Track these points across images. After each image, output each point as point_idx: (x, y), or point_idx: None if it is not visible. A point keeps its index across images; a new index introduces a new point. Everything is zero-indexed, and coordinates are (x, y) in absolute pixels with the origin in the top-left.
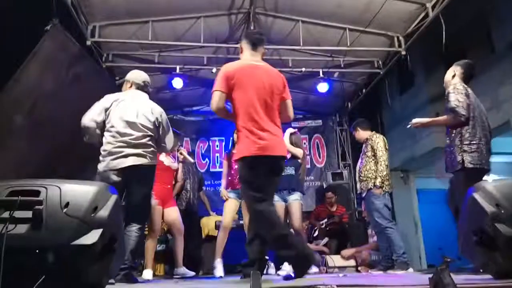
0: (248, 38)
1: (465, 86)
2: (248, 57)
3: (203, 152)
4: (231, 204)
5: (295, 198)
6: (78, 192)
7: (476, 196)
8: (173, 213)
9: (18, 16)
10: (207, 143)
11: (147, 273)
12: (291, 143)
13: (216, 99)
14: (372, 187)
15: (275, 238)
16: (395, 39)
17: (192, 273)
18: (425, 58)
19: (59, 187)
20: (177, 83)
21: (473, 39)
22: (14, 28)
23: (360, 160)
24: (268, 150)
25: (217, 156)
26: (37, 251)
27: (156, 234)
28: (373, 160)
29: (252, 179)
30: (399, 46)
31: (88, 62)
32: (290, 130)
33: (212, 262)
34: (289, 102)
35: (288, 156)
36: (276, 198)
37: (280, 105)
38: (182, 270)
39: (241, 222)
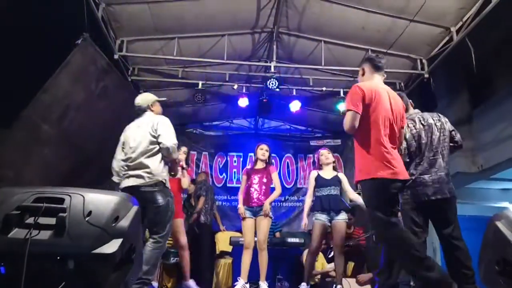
0: (372, 62)
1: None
2: (375, 80)
3: (220, 167)
4: (249, 223)
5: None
6: (101, 201)
7: (499, 224)
8: (176, 226)
9: (51, 29)
10: (225, 158)
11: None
12: None
13: (350, 118)
14: None
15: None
16: (418, 61)
17: None
18: (448, 81)
19: (82, 196)
20: (200, 98)
21: (499, 64)
22: (46, 41)
23: None
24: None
25: (234, 172)
26: (58, 257)
27: None
28: None
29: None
30: (422, 69)
31: (115, 75)
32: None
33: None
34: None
35: (330, 176)
36: (323, 217)
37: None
38: (190, 283)
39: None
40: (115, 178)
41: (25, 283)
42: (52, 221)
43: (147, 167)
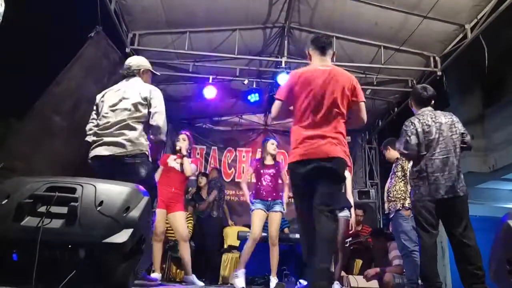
0: (316, 44)
1: (413, 119)
2: (317, 63)
3: (229, 161)
4: (262, 214)
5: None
6: (112, 191)
7: (511, 223)
8: (175, 219)
9: (64, 22)
10: (234, 153)
11: (155, 276)
12: None
13: (276, 107)
14: (400, 208)
15: None
16: (431, 59)
17: (201, 284)
18: (461, 79)
19: (94, 186)
20: (210, 92)
21: None
22: (59, 33)
23: (389, 180)
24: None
25: (243, 167)
26: (69, 246)
27: (159, 237)
28: (403, 180)
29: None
30: (435, 66)
31: None
32: None
33: (233, 271)
34: (362, 105)
35: None
36: None
37: (350, 108)
38: (191, 278)
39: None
40: (89, 138)
41: (37, 271)
42: (64, 210)
43: (128, 135)
